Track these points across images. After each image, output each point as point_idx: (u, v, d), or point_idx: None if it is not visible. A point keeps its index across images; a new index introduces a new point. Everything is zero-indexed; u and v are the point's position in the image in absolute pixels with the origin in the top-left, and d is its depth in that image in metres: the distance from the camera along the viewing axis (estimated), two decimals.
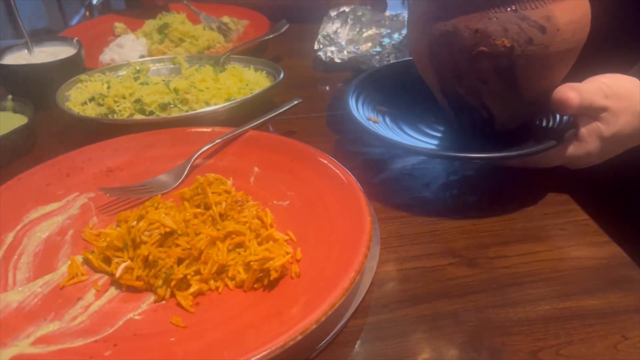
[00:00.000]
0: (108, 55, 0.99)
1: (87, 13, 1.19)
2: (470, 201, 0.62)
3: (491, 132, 0.65)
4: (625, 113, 0.59)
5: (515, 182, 0.65)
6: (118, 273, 0.48)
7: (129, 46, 1.01)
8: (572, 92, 0.58)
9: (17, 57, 0.90)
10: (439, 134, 0.70)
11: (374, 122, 0.67)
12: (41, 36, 0.98)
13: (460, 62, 0.58)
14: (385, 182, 0.66)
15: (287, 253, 0.50)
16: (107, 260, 0.51)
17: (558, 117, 0.66)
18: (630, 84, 0.60)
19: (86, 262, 0.52)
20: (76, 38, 0.93)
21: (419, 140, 0.67)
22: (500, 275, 0.51)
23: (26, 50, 0.92)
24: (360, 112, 0.68)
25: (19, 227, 0.55)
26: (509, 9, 0.55)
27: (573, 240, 0.56)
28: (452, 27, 0.57)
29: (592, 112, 0.59)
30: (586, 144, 0.61)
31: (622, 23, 0.71)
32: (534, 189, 0.63)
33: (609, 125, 0.59)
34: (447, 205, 0.62)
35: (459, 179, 0.66)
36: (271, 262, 0.48)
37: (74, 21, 3.58)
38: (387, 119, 0.70)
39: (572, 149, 0.61)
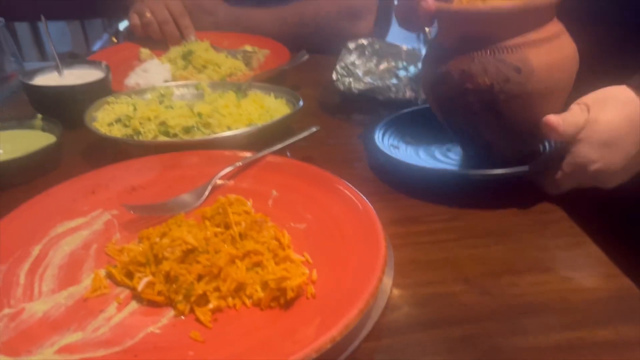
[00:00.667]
0: (133, 79, 1.03)
1: (114, 39, 1.23)
2: (482, 230, 0.63)
3: (495, 160, 0.70)
4: (604, 112, 0.62)
5: (527, 213, 0.66)
6: (140, 287, 0.50)
7: (153, 71, 1.05)
8: (554, 117, 0.62)
9: (48, 79, 0.94)
10: (451, 161, 0.76)
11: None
12: (71, 59, 1.02)
13: (454, 97, 0.68)
14: (400, 209, 0.68)
15: (304, 274, 0.51)
16: (130, 275, 0.52)
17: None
18: (612, 88, 0.63)
19: (109, 276, 0.53)
20: (105, 62, 0.96)
21: (430, 164, 0.75)
22: (511, 303, 0.52)
23: (56, 72, 0.96)
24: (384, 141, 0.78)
25: (45, 241, 0.57)
26: (488, 52, 0.64)
27: (584, 272, 0.56)
28: (446, 68, 0.67)
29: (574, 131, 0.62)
30: (577, 157, 0.63)
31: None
32: (546, 221, 0.65)
33: (592, 128, 0.62)
34: (460, 233, 0.63)
35: (473, 207, 0.68)
36: (288, 281, 0.49)
37: (97, 46, 3.69)
38: (409, 148, 0.79)
39: (567, 161, 0.63)
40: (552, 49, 0.65)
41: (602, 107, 0.63)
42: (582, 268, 0.57)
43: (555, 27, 0.66)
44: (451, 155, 0.78)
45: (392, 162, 0.71)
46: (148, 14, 1.19)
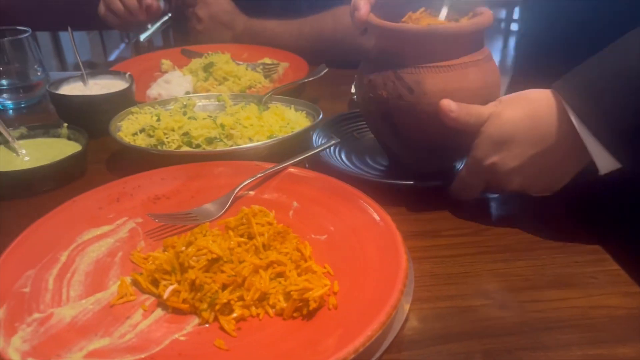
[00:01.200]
0: (155, 90, 1.05)
1: (135, 53, 1.27)
2: (502, 245, 0.64)
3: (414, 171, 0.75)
4: (510, 108, 0.63)
5: (547, 230, 0.66)
6: (166, 295, 0.51)
7: (175, 82, 1.07)
8: (448, 102, 0.65)
9: (73, 88, 0.96)
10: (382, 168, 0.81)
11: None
12: (94, 69, 1.04)
13: (364, 103, 0.75)
14: (421, 222, 0.68)
15: (325, 285, 0.52)
16: (155, 283, 0.54)
17: None
18: (532, 90, 0.64)
19: (135, 283, 0.54)
20: (129, 72, 0.98)
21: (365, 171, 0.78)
22: (531, 319, 0.52)
23: (81, 82, 0.98)
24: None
25: (72, 247, 0.59)
26: (393, 68, 0.69)
27: (604, 289, 0.57)
28: (363, 75, 0.74)
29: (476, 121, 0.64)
30: (477, 150, 0.64)
31: None
32: (566, 238, 0.65)
33: (493, 121, 0.63)
34: (480, 248, 0.63)
35: (492, 223, 0.68)
36: (310, 292, 0.50)
37: (114, 55, 3.75)
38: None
39: (469, 154, 0.65)
40: (452, 78, 0.67)
41: (510, 104, 0.64)
42: (602, 285, 0.57)
43: (472, 57, 0.68)
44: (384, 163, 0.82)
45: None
46: None
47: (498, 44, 4.78)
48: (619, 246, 0.63)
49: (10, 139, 0.81)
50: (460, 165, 0.79)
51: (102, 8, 1.38)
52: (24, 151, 0.81)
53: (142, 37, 1.57)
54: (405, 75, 0.68)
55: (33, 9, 2.00)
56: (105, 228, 0.62)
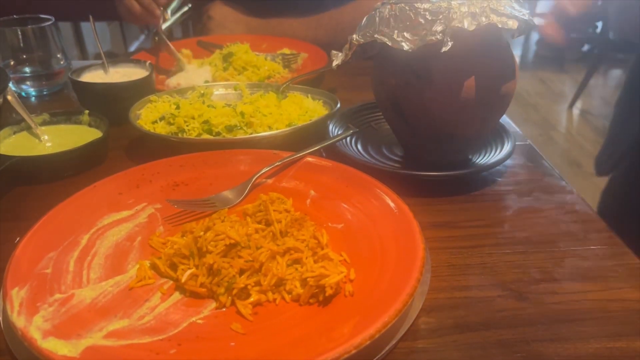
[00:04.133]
0: (175, 79, 1.06)
1: (156, 38, 1.26)
2: (520, 237, 0.63)
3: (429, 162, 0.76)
4: None
5: (566, 223, 0.66)
6: (184, 279, 0.51)
7: (194, 72, 1.07)
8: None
9: (94, 76, 0.97)
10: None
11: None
12: (116, 58, 1.05)
13: (377, 91, 0.76)
14: (438, 213, 0.68)
15: (342, 272, 0.52)
16: (173, 267, 0.54)
17: (493, 151, 0.78)
18: None
19: (153, 267, 0.55)
20: (149, 61, 0.99)
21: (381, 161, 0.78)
22: (549, 310, 0.52)
23: (102, 70, 0.99)
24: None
25: (92, 231, 0.60)
26: (399, 56, 0.67)
27: (624, 283, 0.56)
28: (376, 65, 0.76)
29: None
30: None
31: None
32: (585, 230, 0.64)
33: None
34: (497, 239, 0.63)
35: (511, 214, 0.68)
36: (327, 279, 0.50)
37: (134, 46, 3.79)
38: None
39: None
40: (461, 65, 0.66)
41: None
42: (622, 278, 0.56)
43: (483, 45, 0.66)
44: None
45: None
46: None
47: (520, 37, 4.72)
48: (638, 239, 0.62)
49: (33, 125, 0.82)
50: (472, 157, 0.78)
51: (120, 9, 1.31)
52: (46, 137, 0.82)
53: (163, 26, 1.58)
54: (412, 61, 0.67)
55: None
56: (125, 213, 0.63)
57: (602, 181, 1.36)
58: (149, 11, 1.18)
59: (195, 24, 2.12)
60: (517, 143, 0.80)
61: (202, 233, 0.54)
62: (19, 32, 1.04)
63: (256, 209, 0.60)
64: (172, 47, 1.14)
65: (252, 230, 0.55)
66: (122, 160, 0.81)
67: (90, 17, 1.05)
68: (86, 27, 2.67)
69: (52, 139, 0.82)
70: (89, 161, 0.78)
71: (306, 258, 0.54)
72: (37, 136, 0.82)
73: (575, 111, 3.58)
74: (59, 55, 1.09)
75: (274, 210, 0.58)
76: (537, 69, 4.36)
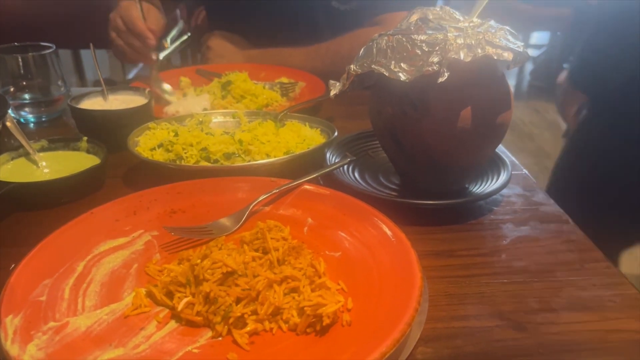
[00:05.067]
0: (173, 106, 1.06)
1: (154, 71, 1.27)
2: (518, 266, 0.63)
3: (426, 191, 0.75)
4: None
5: (563, 252, 0.66)
6: (180, 307, 0.51)
7: (193, 100, 1.08)
8: None
9: (93, 103, 0.98)
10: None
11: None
12: (115, 85, 1.06)
13: (374, 119, 0.77)
14: (435, 242, 0.68)
15: (339, 301, 0.52)
16: (170, 295, 0.54)
17: (489, 180, 0.78)
18: None
19: (149, 295, 0.55)
20: (148, 89, 1.00)
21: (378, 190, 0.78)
22: (548, 341, 0.52)
23: (101, 97, 1.00)
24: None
25: (89, 258, 0.59)
26: (397, 86, 0.68)
27: (622, 313, 0.56)
28: (373, 94, 0.76)
29: None
30: None
31: None
32: (582, 260, 0.64)
33: None
34: (495, 269, 0.63)
35: (508, 243, 0.68)
36: (324, 308, 0.50)
37: (132, 74, 3.82)
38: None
39: None
40: (458, 97, 0.67)
41: None
42: (619, 308, 0.56)
43: (480, 78, 0.68)
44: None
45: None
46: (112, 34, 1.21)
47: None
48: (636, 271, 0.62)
49: (31, 151, 0.82)
50: (469, 186, 0.78)
51: (113, 50, 1.30)
52: (44, 163, 0.82)
53: (162, 55, 1.60)
54: (409, 91, 0.68)
55: (57, 26, 2.05)
56: (122, 240, 0.63)
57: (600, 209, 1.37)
58: (142, 54, 1.19)
59: (194, 53, 2.15)
60: (513, 172, 0.81)
61: (199, 261, 0.54)
62: (20, 60, 1.05)
63: (253, 236, 0.60)
64: (161, 85, 1.15)
65: (249, 258, 0.55)
66: (120, 187, 0.81)
67: (91, 45, 1.06)
68: (85, 54, 2.70)
69: (50, 165, 0.82)
70: (86, 188, 0.78)
71: (303, 287, 0.54)
72: (35, 162, 0.82)
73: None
74: (58, 83, 1.10)
75: (272, 238, 0.58)
76: (531, 98, 4.42)
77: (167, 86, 1.17)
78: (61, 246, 0.59)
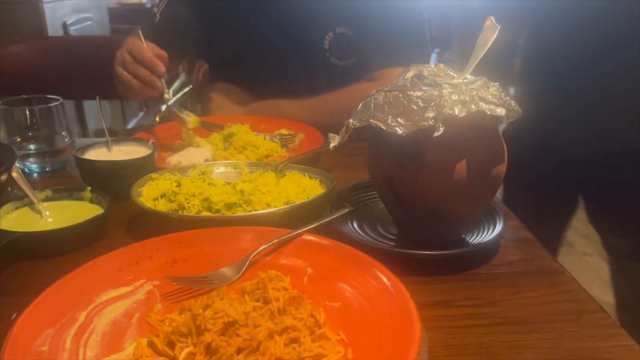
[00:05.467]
0: (176, 157, 1.09)
1: (157, 119, 1.31)
2: (515, 317, 0.64)
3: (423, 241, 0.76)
4: None
5: (561, 303, 0.66)
6: (181, 357, 0.51)
7: (195, 151, 1.11)
8: None
9: (98, 154, 1.00)
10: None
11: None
12: (116, 134, 1.09)
13: (371, 170, 0.79)
14: (434, 292, 0.69)
15: (339, 352, 0.52)
16: (171, 345, 0.54)
17: (485, 231, 0.80)
18: None
19: (151, 345, 0.55)
20: (152, 140, 1.03)
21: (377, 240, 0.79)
22: None
23: (105, 148, 1.02)
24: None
25: (90, 307, 0.60)
26: (394, 138, 0.69)
27: None
28: (371, 144, 0.79)
29: None
30: None
31: None
32: (579, 311, 0.65)
33: None
34: (493, 319, 0.63)
35: (505, 293, 0.68)
36: (325, 359, 0.50)
37: (132, 123, 3.89)
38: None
39: None
40: (453, 151, 0.69)
41: None
42: None
43: (475, 133, 0.70)
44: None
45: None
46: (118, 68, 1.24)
47: None
48: (632, 321, 0.63)
49: (35, 201, 0.84)
50: (466, 236, 0.80)
51: (118, 88, 1.32)
52: (48, 213, 0.83)
53: (163, 107, 1.64)
54: (406, 144, 0.71)
55: (60, 77, 2.10)
56: (124, 289, 0.64)
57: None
58: (149, 83, 1.20)
59: (195, 104, 2.20)
60: (508, 222, 0.82)
61: (200, 310, 0.55)
62: (27, 112, 1.09)
63: (254, 286, 0.60)
64: (181, 115, 1.18)
65: (250, 308, 0.56)
66: (123, 236, 0.82)
67: (97, 97, 1.10)
68: (88, 104, 2.75)
69: (54, 215, 0.83)
70: (89, 237, 0.79)
71: (304, 337, 0.54)
72: (39, 212, 0.83)
73: None
74: (63, 133, 1.12)
75: (272, 288, 0.59)
76: None
77: (186, 112, 1.19)
78: (63, 296, 0.60)
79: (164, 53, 1.22)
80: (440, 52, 5.81)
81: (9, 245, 0.73)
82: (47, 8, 2.70)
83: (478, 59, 0.75)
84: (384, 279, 0.62)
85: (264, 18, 1.38)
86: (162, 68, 1.19)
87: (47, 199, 0.86)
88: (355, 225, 0.84)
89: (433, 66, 0.75)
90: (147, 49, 1.20)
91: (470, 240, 0.79)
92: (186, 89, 1.82)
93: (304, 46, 1.39)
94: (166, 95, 1.38)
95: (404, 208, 0.76)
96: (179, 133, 1.24)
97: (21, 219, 0.82)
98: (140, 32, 1.25)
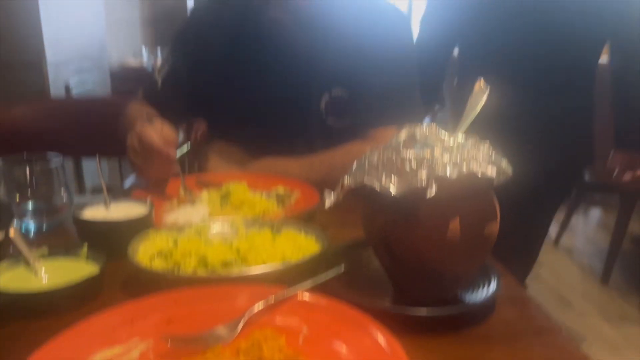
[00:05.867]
0: (172, 216, 1.10)
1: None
2: None
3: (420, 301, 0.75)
4: None
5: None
6: None
7: (192, 209, 1.12)
8: None
9: (95, 213, 1.01)
10: None
11: None
12: (114, 192, 1.10)
13: (367, 228, 0.80)
14: (430, 351, 0.68)
15: None
16: None
17: (480, 289, 0.80)
18: None
19: None
20: (149, 199, 1.04)
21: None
22: None
23: (103, 206, 1.03)
24: None
25: None
26: (388, 196, 0.70)
27: None
28: (366, 203, 0.80)
29: None
30: None
31: None
32: None
33: None
34: None
35: (501, 353, 0.68)
36: None
37: (129, 181, 3.91)
38: None
39: None
40: (447, 209, 0.70)
41: None
42: None
43: (467, 191, 0.72)
44: None
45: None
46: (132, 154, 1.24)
47: None
48: None
49: (31, 259, 0.84)
50: (461, 295, 0.80)
51: (134, 169, 1.29)
52: (43, 272, 0.83)
53: None
54: (400, 203, 0.72)
55: (62, 136, 2.14)
56: (117, 349, 0.63)
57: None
58: (163, 169, 1.21)
59: (191, 162, 2.23)
60: (503, 280, 0.83)
61: None
62: (27, 170, 1.10)
63: (249, 346, 0.60)
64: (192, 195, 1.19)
65: None
66: (118, 295, 0.81)
67: (97, 156, 1.12)
68: (86, 162, 2.78)
69: (49, 274, 0.83)
70: (84, 296, 0.79)
71: None
72: (34, 271, 0.83)
73: (561, 249, 3.64)
74: (62, 192, 1.13)
75: (268, 348, 0.59)
76: None
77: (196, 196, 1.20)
78: (57, 355, 0.59)
79: (172, 136, 1.23)
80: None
81: (2, 305, 0.72)
82: (51, 70, 2.78)
83: (470, 120, 0.78)
84: (380, 338, 0.62)
85: (262, 81, 1.43)
86: (173, 154, 1.20)
87: (42, 258, 0.86)
88: (351, 283, 0.84)
89: (426, 126, 0.78)
90: (156, 135, 1.20)
91: (466, 299, 0.79)
92: (184, 148, 1.85)
93: (301, 108, 1.43)
94: None
95: (399, 266, 0.77)
96: (176, 191, 1.26)
97: (16, 278, 0.81)
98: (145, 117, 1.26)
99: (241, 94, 1.46)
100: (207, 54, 1.44)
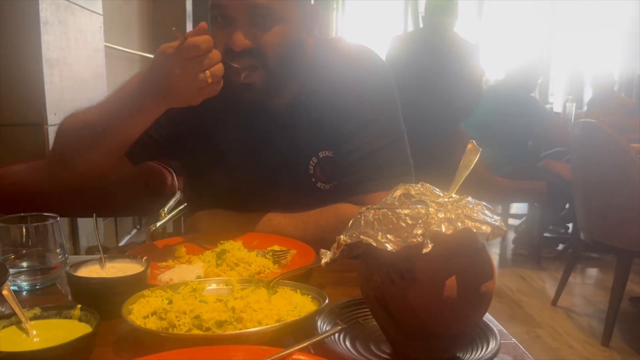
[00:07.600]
0: (167, 274, 1.09)
1: (150, 240, 1.33)
2: None
3: None
4: None
5: None
6: None
7: (187, 268, 1.11)
8: None
9: (91, 271, 1.00)
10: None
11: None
12: (109, 251, 1.10)
13: (363, 287, 0.80)
14: None
15: None
16: None
17: (479, 350, 0.78)
18: None
19: None
20: (145, 257, 1.04)
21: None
22: None
23: (99, 265, 1.03)
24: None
25: None
26: (385, 255, 0.71)
27: None
28: (362, 261, 0.80)
29: None
30: None
31: None
32: None
33: None
34: None
35: None
36: None
37: (125, 240, 3.89)
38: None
39: None
40: (443, 268, 0.71)
41: None
42: None
43: (464, 249, 0.73)
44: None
45: None
46: None
47: None
48: None
49: (23, 319, 0.83)
50: (460, 355, 0.78)
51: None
52: (35, 332, 0.82)
53: (158, 224, 1.67)
54: (396, 261, 0.72)
55: (59, 196, 2.14)
56: None
57: None
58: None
59: (187, 220, 2.23)
60: (502, 341, 0.82)
61: None
62: (23, 230, 1.10)
63: None
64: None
65: None
66: (110, 356, 0.80)
67: (94, 215, 1.13)
68: (81, 221, 2.77)
69: (41, 334, 0.82)
70: (75, 357, 0.77)
71: None
72: (25, 331, 0.82)
73: (560, 309, 3.59)
74: (58, 251, 1.13)
75: None
76: (516, 266, 4.49)
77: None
78: None
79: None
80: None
81: None
82: (51, 130, 2.82)
83: (462, 179, 0.80)
84: None
85: (251, 151, 1.46)
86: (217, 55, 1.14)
87: (35, 318, 0.85)
88: (347, 343, 0.82)
89: (419, 185, 0.80)
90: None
91: None
92: (181, 207, 1.86)
93: (291, 173, 1.45)
94: (162, 213, 1.42)
95: (396, 325, 0.76)
96: (171, 251, 1.25)
97: (7, 338, 0.80)
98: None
99: (231, 163, 1.47)
100: (197, 128, 1.47)
